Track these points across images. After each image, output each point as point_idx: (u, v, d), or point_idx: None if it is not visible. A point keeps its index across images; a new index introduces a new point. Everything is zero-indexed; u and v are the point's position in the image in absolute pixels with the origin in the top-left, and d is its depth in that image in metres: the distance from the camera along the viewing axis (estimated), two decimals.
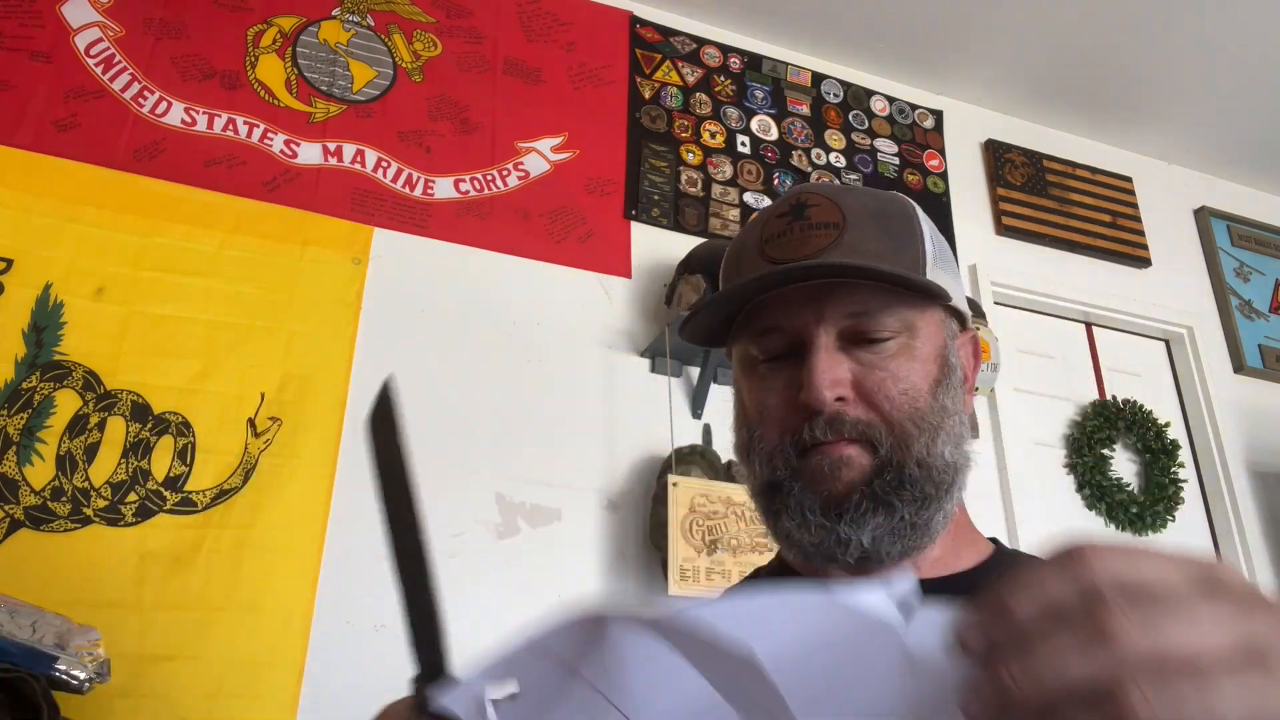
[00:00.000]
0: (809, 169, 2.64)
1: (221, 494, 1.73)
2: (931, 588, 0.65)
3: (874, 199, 0.70)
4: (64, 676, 1.16)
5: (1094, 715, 0.27)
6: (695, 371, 2.21)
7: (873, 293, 0.65)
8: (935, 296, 0.67)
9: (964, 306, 0.73)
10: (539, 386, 2.08)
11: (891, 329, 0.66)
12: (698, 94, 2.60)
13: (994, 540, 0.75)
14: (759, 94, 2.69)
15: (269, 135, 2.06)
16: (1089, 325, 2.93)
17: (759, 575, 0.81)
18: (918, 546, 0.65)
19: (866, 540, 0.63)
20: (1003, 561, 0.71)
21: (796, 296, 0.66)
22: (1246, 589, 0.30)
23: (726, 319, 0.71)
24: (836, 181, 2.66)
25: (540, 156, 2.32)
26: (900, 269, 0.65)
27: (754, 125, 2.64)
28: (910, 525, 0.64)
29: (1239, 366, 2.97)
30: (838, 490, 0.64)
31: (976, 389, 0.74)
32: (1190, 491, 2.72)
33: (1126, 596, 0.28)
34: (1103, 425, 2.69)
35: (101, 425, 1.70)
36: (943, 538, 0.68)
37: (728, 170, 2.53)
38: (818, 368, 0.64)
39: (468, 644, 1.82)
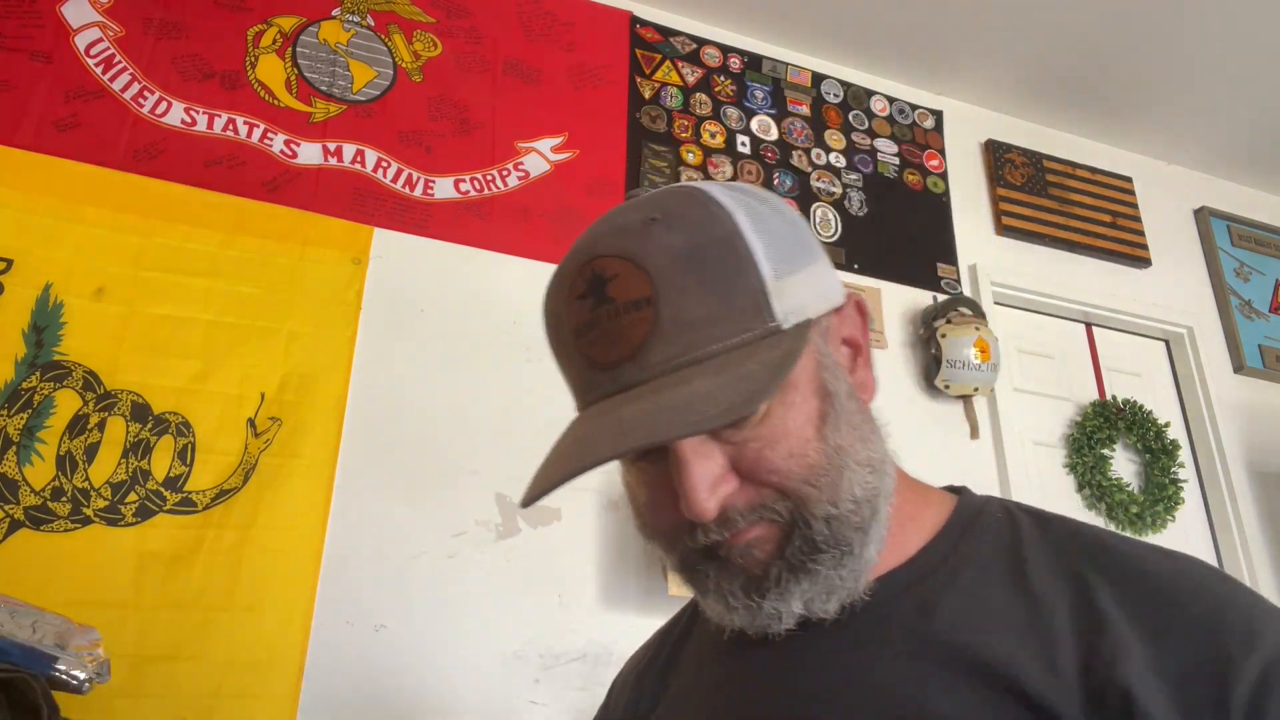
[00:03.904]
0: (809, 169, 2.64)
1: (221, 494, 1.73)
2: (871, 594, 0.60)
3: (681, 233, 0.57)
4: (64, 676, 1.16)
5: None
6: None
7: (710, 371, 0.54)
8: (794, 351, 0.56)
9: (830, 295, 0.62)
10: (539, 386, 2.08)
11: None
12: (698, 94, 2.60)
13: (956, 491, 0.68)
14: (759, 94, 2.69)
15: (269, 135, 2.06)
16: (1089, 325, 2.93)
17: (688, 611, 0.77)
18: (856, 591, 0.59)
19: (798, 608, 0.58)
20: (952, 531, 0.64)
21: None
22: None
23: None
24: (836, 181, 2.66)
25: (540, 157, 2.32)
26: (739, 336, 0.55)
27: (754, 125, 2.64)
28: (839, 579, 0.58)
29: (1239, 366, 2.97)
30: (755, 571, 0.58)
31: (871, 356, 0.68)
32: (1190, 491, 2.72)
33: None
34: (1103, 425, 2.69)
35: (101, 425, 1.70)
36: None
37: (728, 170, 2.53)
38: (690, 479, 0.55)
39: (468, 644, 1.83)
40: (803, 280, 0.59)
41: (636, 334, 0.55)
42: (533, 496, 0.58)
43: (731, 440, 0.57)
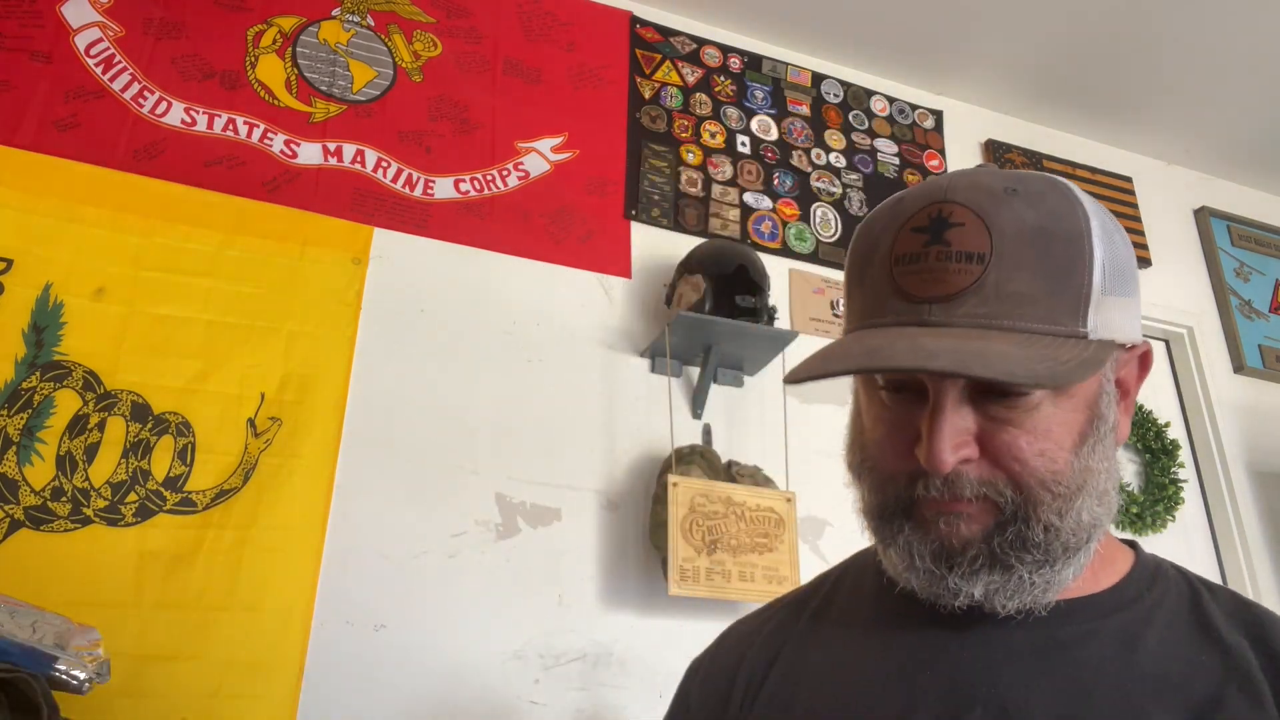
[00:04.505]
0: (809, 169, 2.64)
1: (221, 494, 1.73)
2: (1064, 610, 0.62)
3: (1035, 210, 0.58)
4: (64, 676, 1.16)
5: None
6: (695, 371, 2.21)
7: (1015, 342, 0.55)
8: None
9: (1136, 331, 0.62)
10: (539, 386, 2.08)
11: None
12: (698, 94, 2.60)
13: (1132, 544, 0.71)
14: (759, 94, 2.69)
15: (269, 135, 2.06)
16: None
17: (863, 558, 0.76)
18: (1039, 601, 0.60)
19: (978, 593, 0.59)
20: (1141, 576, 0.66)
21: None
22: None
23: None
24: (836, 181, 2.66)
25: (540, 156, 2.32)
26: (1050, 326, 0.56)
27: (754, 125, 2.64)
28: (1030, 584, 0.59)
29: (1239, 366, 2.97)
30: (952, 543, 0.59)
31: (1132, 407, 0.69)
32: (1190, 491, 2.72)
33: None
34: None
35: (101, 425, 1.70)
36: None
37: (728, 170, 2.53)
38: (940, 430, 0.57)
39: (468, 644, 1.83)
40: (1121, 305, 0.60)
41: (958, 281, 0.57)
42: (802, 376, 0.60)
43: (991, 414, 0.58)
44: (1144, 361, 0.66)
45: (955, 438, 0.57)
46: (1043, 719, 0.57)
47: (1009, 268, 0.57)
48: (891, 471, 0.62)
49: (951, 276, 0.57)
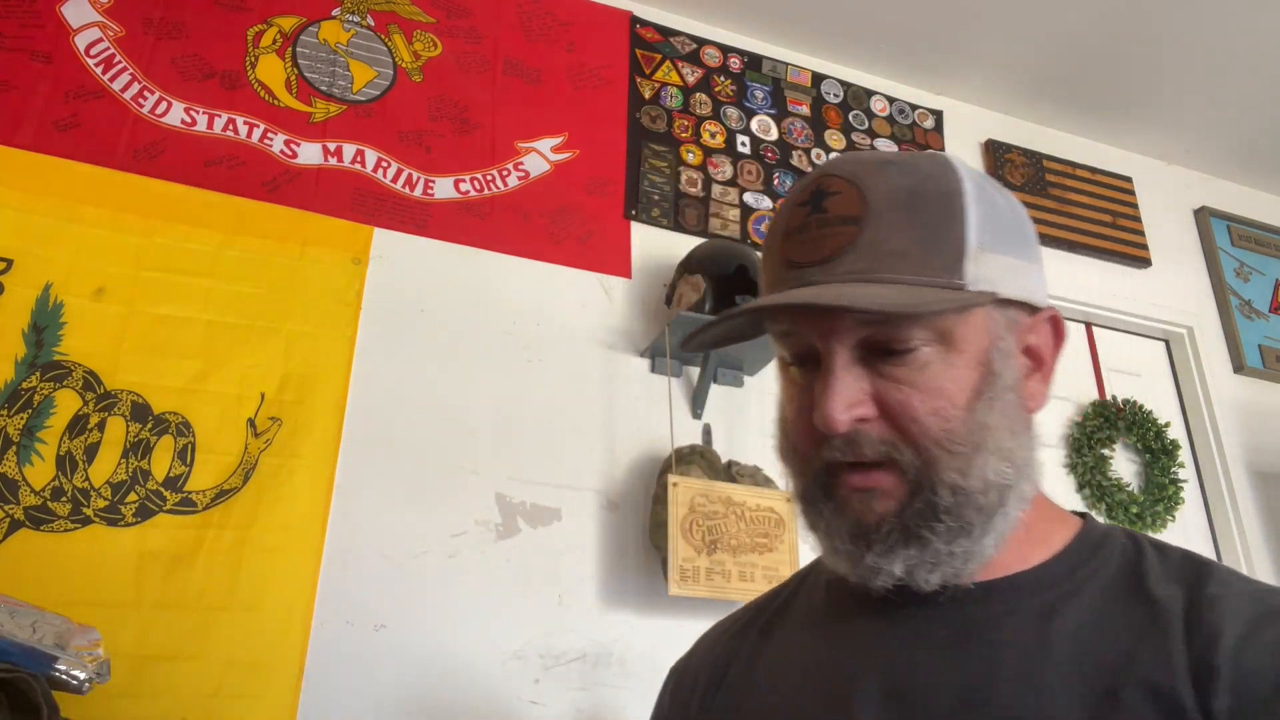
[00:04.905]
0: (809, 169, 2.64)
1: (221, 494, 1.73)
2: (984, 591, 0.62)
3: (908, 175, 0.61)
4: (64, 676, 1.16)
5: None
6: (695, 371, 2.21)
7: (886, 287, 0.58)
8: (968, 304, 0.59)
9: (1029, 291, 0.63)
10: (539, 386, 2.08)
11: (920, 338, 0.59)
12: (698, 94, 2.60)
13: (1084, 516, 0.69)
14: (759, 94, 2.69)
15: (269, 135, 2.06)
16: (1089, 325, 2.93)
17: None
18: (961, 573, 0.61)
19: (899, 570, 0.60)
20: (1080, 549, 0.65)
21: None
22: None
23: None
24: None
25: (540, 156, 2.32)
26: (925, 278, 0.58)
27: (754, 125, 2.64)
28: (949, 555, 0.59)
29: (1239, 366, 2.97)
30: (868, 520, 0.60)
31: (1052, 377, 0.69)
32: (1190, 491, 2.72)
33: None
34: (1103, 425, 2.69)
35: (101, 425, 1.70)
36: (1005, 543, 0.62)
37: (728, 170, 2.53)
38: (830, 389, 0.59)
39: (468, 644, 1.83)
40: (1004, 263, 0.61)
41: (834, 244, 0.60)
42: (690, 340, 0.67)
43: (884, 374, 0.60)
44: (1056, 328, 0.67)
45: (847, 396, 0.59)
46: (948, 701, 0.58)
47: (882, 227, 0.59)
48: (806, 451, 0.63)
49: (829, 240, 0.60)
